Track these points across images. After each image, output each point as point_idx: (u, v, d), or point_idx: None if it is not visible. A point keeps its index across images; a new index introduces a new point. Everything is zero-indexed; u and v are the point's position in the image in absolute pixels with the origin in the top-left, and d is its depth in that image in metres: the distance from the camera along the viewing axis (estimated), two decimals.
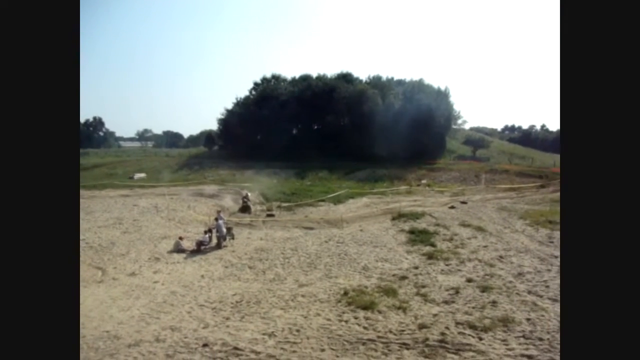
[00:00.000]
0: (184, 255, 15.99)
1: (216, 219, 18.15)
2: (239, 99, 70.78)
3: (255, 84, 72.14)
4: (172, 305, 10.79)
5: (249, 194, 28.97)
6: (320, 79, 68.46)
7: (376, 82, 68.04)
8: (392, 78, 71.57)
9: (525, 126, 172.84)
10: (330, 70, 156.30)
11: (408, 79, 70.30)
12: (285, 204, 28.70)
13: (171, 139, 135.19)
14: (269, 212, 26.18)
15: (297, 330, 8.91)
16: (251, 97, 70.20)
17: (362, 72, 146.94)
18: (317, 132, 64.62)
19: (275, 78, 71.83)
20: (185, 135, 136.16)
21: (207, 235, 17.35)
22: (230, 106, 70.25)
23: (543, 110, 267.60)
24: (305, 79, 68.74)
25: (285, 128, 63.39)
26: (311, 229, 21.11)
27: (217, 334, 8.89)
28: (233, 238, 18.01)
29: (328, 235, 18.98)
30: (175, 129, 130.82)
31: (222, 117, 69.43)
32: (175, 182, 38.51)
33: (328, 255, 15.39)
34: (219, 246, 17.06)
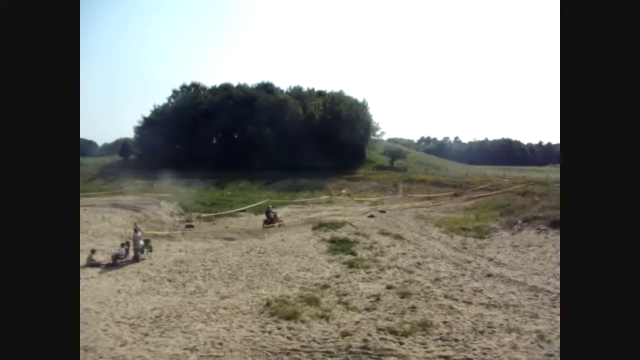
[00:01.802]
0: (98, 269, 15.23)
1: (134, 231, 17.45)
2: (157, 107, 69.11)
3: (175, 92, 70.78)
4: (85, 323, 10.19)
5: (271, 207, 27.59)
6: (241, 88, 68.15)
7: (297, 93, 68.65)
8: (313, 89, 72.51)
9: (440, 138, 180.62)
10: (251, 79, 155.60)
11: (329, 90, 71.35)
12: (205, 214, 28.21)
13: (84, 147, 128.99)
14: (188, 223, 25.62)
15: (220, 344, 8.74)
16: (170, 105, 68.76)
17: (283, 83, 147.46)
18: (237, 142, 64.17)
19: (195, 86, 70.73)
20: (100, 143, 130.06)
21: (123, 248, 16.63)
22: (148, 114, 68.37)
23: (456, 123, 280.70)
24: (226, 88, 68.19)
25: (205, 137, 62.43)
26: (232, 239, 20.86)
27: (135, 352, 8.53)
28: (151, 250, 17.38)
29: (249, 245, 18.83)
30: (88, 136, 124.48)
31: (140, 125, 67.46)
32: (89, 192, 36.68)
33: (249, 265, 15.25)
34: (136, 259, 16.40)
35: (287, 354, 8.25)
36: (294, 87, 71.35)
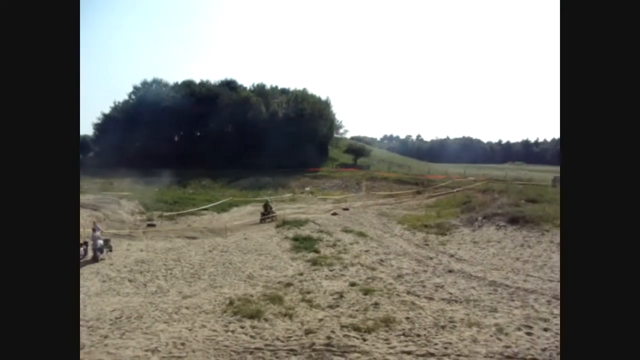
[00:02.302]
0: None
1: (93, 230, 17.02)
2: (117, 104, 67.64)
3: (136, 88, 69.20)
4: None
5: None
6: (204, 85, 67.32)
7: (260, 90, 68.28)
8: (277, 87, 72.28)
9: (402, 136, 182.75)
10: (214, 76, 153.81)
11: (292, 88, 71.26)
12: (167, 213, 27.75)
13: None
14: (149, 222, 25.17)
15: (182, 344, 8.62)
16: (131, 101, 67.31)
17: (246, 80, 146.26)
18: (200, 139, 63.43)
19: (157, 82, 69.38)
20: None
21: (81, 248, 16.21)
22: (107, 110, 66.82)
23: (418, 121, 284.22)
24: (188, 84, 67.19)
25: (166, 135, 61.43)
26: (194, 238, 20.60)
27: (94, 355, 8.32)
28: (111, 250, 16.99)
29: (212, 244, 18.64)
30: None
31: (99, 122, 65.84)
32: None
33: (212, 264, 15.09)
34: (95, 259, 16.00)
35: (251, 352, 8.20)
36: (257, 85, 70.90)
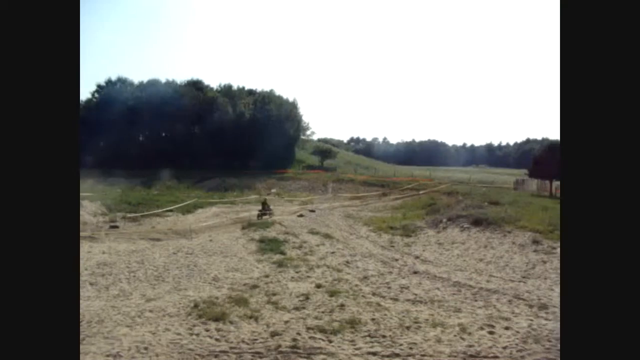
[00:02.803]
0: None
1: None
2: (80, 102, 65.97)
3: (99, 86, 67.57)
4: None
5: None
6: (170, 84, 66.31)
7: (227, 91, 67.72)
8: (243, 87, 71.77)
9: (369, 138, 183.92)
10: (180, 76, 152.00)
11: (259, 89, 70.89)
12: (131, 214, 27.23)
13: None
14: (112, 224, 24.63)
15: (145, 348, 8.44)
16: (94, 100, 65.74)
17: (213, 80, 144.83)
18: (165, 140, 62.44)
19: (122, 81, 67.90)
20: None
21: None
22: None
23: (385, 124, 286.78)
24: (154, 84, 66.02)
25: (131, 135, 60.32)
26: (158, 240, 20.26)
27: None
28: None
29: (176, 246, 18.37)
30: None
31: None
32: None
33: (177, 267, 14.86)
34: None
35: (216, 356, 8.10)
36: (224, 85, 70.28)
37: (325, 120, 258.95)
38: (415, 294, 12.15)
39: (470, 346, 8.47)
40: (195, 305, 10.80)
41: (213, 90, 67.17)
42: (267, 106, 62.35)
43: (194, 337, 9.00)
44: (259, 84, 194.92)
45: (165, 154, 56.56)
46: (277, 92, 70.07)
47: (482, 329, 9.44)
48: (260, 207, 28.47)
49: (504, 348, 8.43)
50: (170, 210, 28.64)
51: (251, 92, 70.10)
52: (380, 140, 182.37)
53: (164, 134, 64.49)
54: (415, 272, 14.55)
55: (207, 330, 9.30)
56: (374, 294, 12.07)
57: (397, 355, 8.09)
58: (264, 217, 26.71)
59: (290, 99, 69.86)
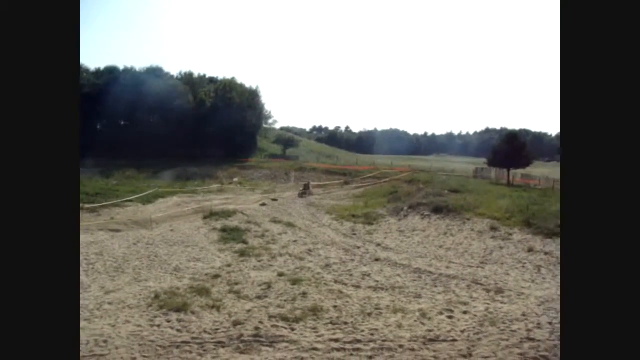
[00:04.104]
0: None
1: None
2: None
3: None
4: None
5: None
6: (128, 72, 64.58)
7: (188, 79, 66.43)
8: (205, 75, 70.42)
9: (331, 127, 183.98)
10: (139, 63, 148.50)
11: (221, 76, 69.80)
12: (89, 205, 26.58)
13: None
14: None
15: (105, 341, 8.29)
16: None
17: (173, 68, 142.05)
18: (124, 129, 60.95)
19: None
20: None
21: None
22: None
23: (347, 113, 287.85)
24: (112, 71, 64.08)
25: (88, 123, 58.57)
26: (118, 231, 19.84)
27: None
28: None
29: (137, 237, 18.05)
30: None
31: None
32: None
33: (137, 258, 14.62)
34: None
35: (177, 347, 8.04)
36: (185, 73, 68.78)
37: (287, 109, 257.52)
38: (377, 281, 12.33)
39: (430, 331, 8.68)
40: (157, 296, 10.67)
41: (173, 78, 65.86)
42: (229, 94, 61.48)
43: (155, 328, 8.91)
44: (221, 72, 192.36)
45: (125, 143, 55.29)
46: (239, 80, 69.24)
47: (441, 313, 9.68)
48: (302, 188, 35.16)
49: (462, 331, 8.67)
50: (130, 201, 28.08)
51: (212, 80, 68.95)
52: (343, 129, 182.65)
53: (122, 123, 63.01)
54: (376, 260, 14.74)
55: (168, 321, 9.21)
56: (336, 282, 12.19)
57: (359, 341, 8.20)
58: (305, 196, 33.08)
59: (253, 87, 69.25)
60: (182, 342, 8.23)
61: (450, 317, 9.47)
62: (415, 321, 9.19)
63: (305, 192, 34.37)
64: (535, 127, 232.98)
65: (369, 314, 9.61)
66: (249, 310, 9.78)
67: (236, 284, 11.83)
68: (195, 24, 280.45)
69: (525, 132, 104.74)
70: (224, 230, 19.01)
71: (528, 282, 12.63)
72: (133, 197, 28.73)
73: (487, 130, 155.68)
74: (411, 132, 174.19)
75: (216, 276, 12.54)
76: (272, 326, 8.91)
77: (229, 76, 70.11)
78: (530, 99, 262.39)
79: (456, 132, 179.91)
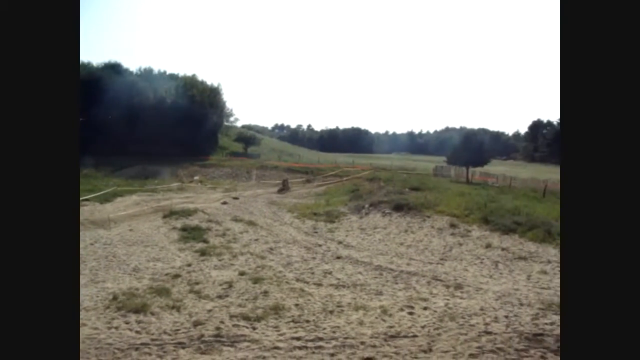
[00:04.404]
0: None
1: None
2: None
3: None
4: None
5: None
6: (85, 67, 62.77)
7: (147, 75, 65.08)
8: (165, 71, 69.11)
9: (293, 125, 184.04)
10: (96, 58, 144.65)
11: (181, 73, 68.60)
12: None
13: None
14: None
15: None
16: None
17: (132, 63, 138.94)
18: (81, 126, 59.08)
19: None
20: None
21: None
22: None
23: (309, 111, 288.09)
24: None
25: None
26: None
27: None
28: None
29: (94, 237, 17.59)
30: None
31: None
32: None
33: (94, 258, 14.24)
34: None
35: (136, 349, 7.88)
36: (144, 69, 67.35)
37: (249, 107, 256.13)
38: (339, 279, 12.39)
39: (391, 327, 8.78)
40: (114, 298, 10.43)
41: (133, 74, 64.45)
42: (190, 91, 60.54)
43: (113, 330, 8.71)
44: (182, 68, 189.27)
45: (82, 141, 53.47)
46: (200, 77, 68.34)
47: (402, 310, 9.80)
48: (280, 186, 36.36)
49: (423, 327, 8.81)
50: (87, 200, 27.38)
51: (173, 77, 67.70)
52: (305, 127, 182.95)
53: (79, 120, 61.39)
54: (338, 257, 14.81)
55: (126, 323, 9.02)
56: (297, 280, 12.19)
57: (321, 339, 8.22)
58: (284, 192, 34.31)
59: (214, 85, 68.36)
60: (141, 344, 8.08)
61: (410, 313, 9.60)
62: (377, 318, 9.27)
63: (283, 188, 35.54)
64: (492, 126, 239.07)
65: (331, 312, 9.65)
66: (209, 310, 9.68)
67: (197, 283, 11.69)
68: (154, 19, 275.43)
69: (483, 131, 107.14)
70: (184, 229, 18.74)
71: (486, 277, 12.93)
72: (90, 196, 27.98)
73: (447, 129, 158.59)
74: (372, 130, 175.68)
75: (176, 276, 12.36)
76: (234, 325, 8.84)
77: (189, 73, 68.86)
78: (488, 99, 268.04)
79: (416, 131, 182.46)
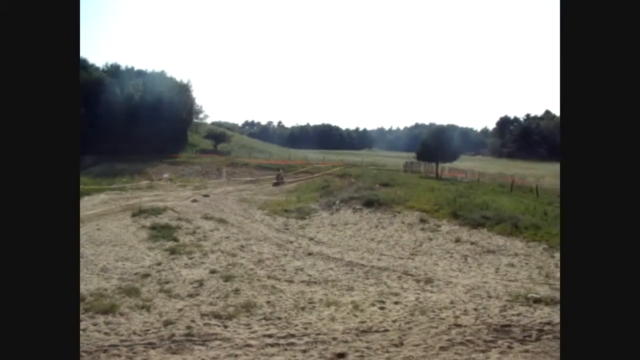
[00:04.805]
0: None
1: None
2: None
3: None
4: None
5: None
6: None
7: (114, 71, 63.72)
8: (132, 67, 67.81)
9: (263, 122, 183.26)
10: None
11: (149, 69, 67.51)
12: None
13: None
14: None
15: None
16: None
17: (99, 59, 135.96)
18: None
19: None
20: None
21: None
22: None
23: (279, 108, 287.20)
24: None
25: None
26: None
27: None
28: None
29: None
30: None
31: None
32: None
33: None
34: None
35: (105, 351, 7.74)
36: (111, 65, 65.87)
37: (219, 104, 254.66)
38: (310, 275, 12.42)
39: (363, 322, 8.84)
40: (82, 299, 10.22)
41: (99, 70, 63.06)
42: (158, 88, 59.70)
43: (81, 332, 8.54)
44: (150, 65, 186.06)
45: None
46: (169, 74, 67.37)
47: (373, 305, 9.88)
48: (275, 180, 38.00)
49: (394, 321, 8.90)
50: None
51: (141, 73, 66.50)
52: (275, 124, 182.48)
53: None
54: (309, 254, 14.85)
55: (95, 325, 8.84)
56: (269, 277, 12.16)
57: (293, 335, 8.22)
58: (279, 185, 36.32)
59: (183, 81, 67.46)
60: (110, 345, 7.94)
61: (382, 308, 9.69)
62: (348, 313, 9.32)
63: (279, 182, 37.39)
64: (461, 122, 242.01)
65: (302, 308, 9.66)
66: (180, 309, 9.58)
67: (167, 282, 11.55)
68: (121, 14, 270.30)
69: (452, 127, 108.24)
70: (153, 227, 18.47)
71: (455, 271, 13.15)
72: None
73: (417, 126, 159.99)
74: (343, 127, 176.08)
75: (146, 275, 12.19)
76: (205, 324, 8.77)
77: (158, 69, 67.77)
78: (457, 96, 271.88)
79: (387, 127, 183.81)
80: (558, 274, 12.85)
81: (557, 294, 10.72)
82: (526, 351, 7.53)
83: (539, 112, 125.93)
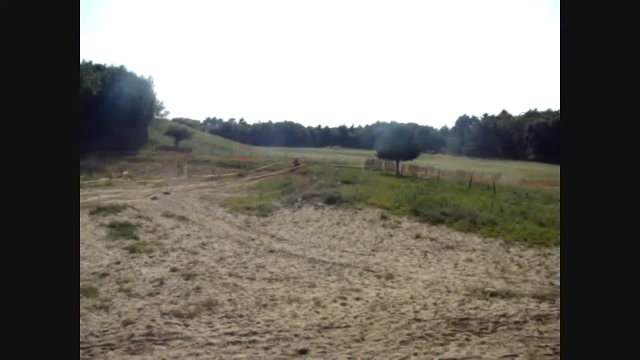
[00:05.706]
0: None
1: None
2: None
3: None
4: None
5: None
6: None
7: None
8: (90, 62, 65.95)
9: (225, 119, 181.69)
10: None
11: (108, 64, 65.83)
12: None
13: None
14: None
15: None
16: None
17: None
18: None
19: None
20: None
21: None
22: None
23: (241, 105, 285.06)
24: None
25: None
26: None
27: None
28: None
29: None
30: None
31: None
32: None
33: None
34: None
35: None
36: None
37: (180, 100, 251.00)
38: (272, 272, 12.42)
39: (325, 318, 8.91)
40: None
41: None
42: (118, 83, 58.32)
43: None
44: (108, 59, 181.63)
45: None
46: (129, 69, 65.91)
47: (335, 301, 9.97)
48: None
49: (355, 317, 9.01)
50: None
51: (99, 68, 64.77)
52: (237, 121, 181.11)
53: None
54: (271, 251, 14.84)
55: None
56: (230, 275, 12.10)
57: (255, 333, 8.22)
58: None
59: (144, 77, 66.15)
60: None
61: (343, 304, 9.78)
62: (310, 310, 9.38)
63: (295, 168, 41.67)
64: (421, 121, 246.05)
65: (264, 306, 9.66)
66: (140, 309, 9.43)
67: (126, 281, 11.35)
68: (80, 6, 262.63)
69: (412, 126, 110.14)
70: (112, 225, 18.08)
71: (416, 266, 13.39)
72: None
73: (378, 124, 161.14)
74: (305, 124, 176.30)
75: (104, 274, 11.93)
76: (165, 323, 8.67)
77: (117, 64, 66.12)
78: (418, 94, 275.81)
79: (348, 125, 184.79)
80: (513, 268, 13.29)
81: (512, 288, 11.10)
82: (483, 343, 7.76)
83: (496, 112, 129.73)
